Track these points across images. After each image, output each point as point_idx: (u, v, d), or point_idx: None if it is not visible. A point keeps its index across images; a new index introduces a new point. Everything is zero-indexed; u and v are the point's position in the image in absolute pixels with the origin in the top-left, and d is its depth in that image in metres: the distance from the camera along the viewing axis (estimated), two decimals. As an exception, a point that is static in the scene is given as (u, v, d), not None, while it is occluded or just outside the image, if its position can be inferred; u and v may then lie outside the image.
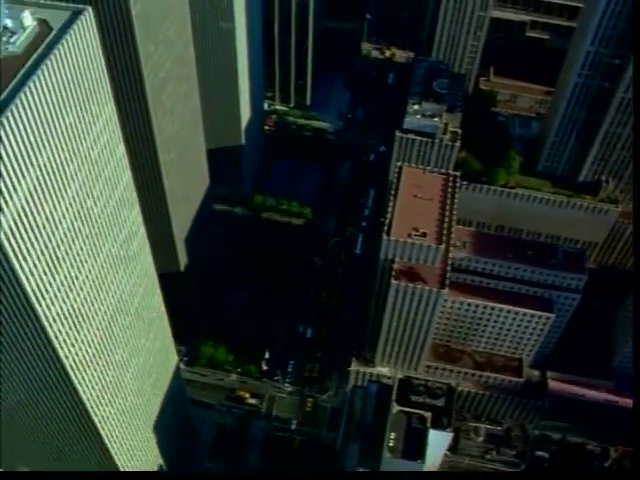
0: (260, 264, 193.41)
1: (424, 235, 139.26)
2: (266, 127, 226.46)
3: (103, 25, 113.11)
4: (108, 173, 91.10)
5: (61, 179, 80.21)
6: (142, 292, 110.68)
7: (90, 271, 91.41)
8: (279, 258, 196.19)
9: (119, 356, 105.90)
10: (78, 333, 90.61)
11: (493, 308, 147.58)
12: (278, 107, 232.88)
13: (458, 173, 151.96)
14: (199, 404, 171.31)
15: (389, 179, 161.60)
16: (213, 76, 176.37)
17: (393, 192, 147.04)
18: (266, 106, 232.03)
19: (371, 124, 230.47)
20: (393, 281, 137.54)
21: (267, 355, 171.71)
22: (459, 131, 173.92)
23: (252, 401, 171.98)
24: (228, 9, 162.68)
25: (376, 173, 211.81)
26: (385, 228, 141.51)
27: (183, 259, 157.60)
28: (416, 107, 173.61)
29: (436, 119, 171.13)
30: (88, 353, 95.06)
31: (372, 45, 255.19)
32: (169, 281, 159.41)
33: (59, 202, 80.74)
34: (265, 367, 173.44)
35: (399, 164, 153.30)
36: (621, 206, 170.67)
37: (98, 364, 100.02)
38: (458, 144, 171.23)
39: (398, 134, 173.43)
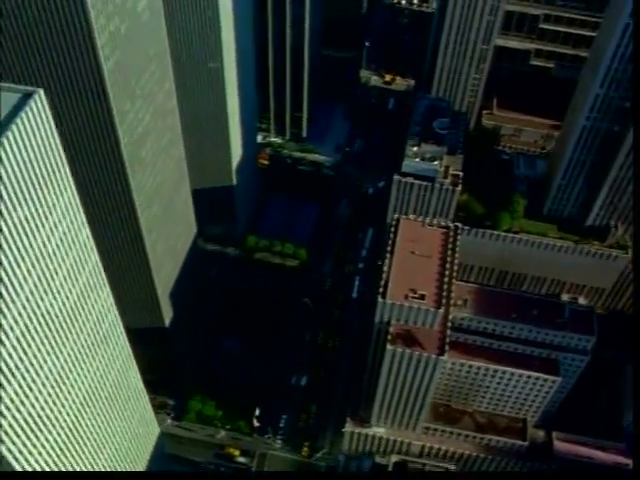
0: (253, 308, 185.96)
1: (422, 297, 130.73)
2: (260, 161, 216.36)
3: (73, 81, 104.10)
4: (70, 262, 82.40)
5: (11, 281, 70.86)
6: (114, 374, 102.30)
7: (50, 371, 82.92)
8: (273, 302, 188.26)
9: (89, 448, 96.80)
10: (34, 446, 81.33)
11: (496, 370, 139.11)
12: (273, 139, 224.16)
13: (459, 226, 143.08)
14: (186, 462, 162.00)
15: (387, 222, 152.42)
16: (202, 117, 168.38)
17: (389, 248, 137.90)
18: (260, 138, 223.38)
19: (370, 157, 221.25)
20: (389, 346, 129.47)
21: (257, 412, 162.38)
22: (460, 174, 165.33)
23: (242, 459, 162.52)
24: (216, 48, 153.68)
25: (374, 210, 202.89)
26: (380, 289, 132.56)
27: (168, 314, 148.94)
28: (415, 149, 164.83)
29: (436, 162, 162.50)
30: (49, 460, 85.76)
31: (371, 72, 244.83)
32: (154, 335, 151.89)
33: (9, 307, 71.39)
34: (256, 423, 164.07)
35: (396, 216, 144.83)
36: (630, 252, 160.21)
37: (64, 463, 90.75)
38: (459, 189, 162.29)
39: (396, 177, 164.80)
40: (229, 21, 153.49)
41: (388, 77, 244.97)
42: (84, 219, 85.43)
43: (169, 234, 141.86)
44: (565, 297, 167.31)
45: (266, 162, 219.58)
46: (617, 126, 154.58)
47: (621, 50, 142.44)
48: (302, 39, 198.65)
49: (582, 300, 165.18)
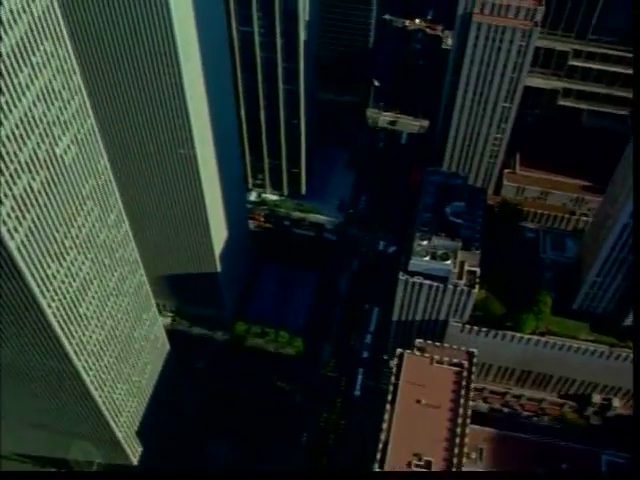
0: (243, 408, 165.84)
1: (428, 465, 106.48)
2: (254, 222, 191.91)
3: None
4: None
5: None
6: None
7: None
8: (265, 399, 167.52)
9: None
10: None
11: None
12: (269, 196, 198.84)
13: (474, 365, 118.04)
14: None
15: (388, 359, 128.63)
16: (177, 205, 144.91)
17: (390, 396, 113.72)
18: (255, 195, 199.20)
19: (377, 216, 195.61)
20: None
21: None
22: (478, 271, 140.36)
23: None
24: (186, 136, 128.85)
25: (381, 284, 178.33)
26: (378, 454, 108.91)
27: (135, 454, 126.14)
28: (424, 243, 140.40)
29: (449, 262, 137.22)
30: None
31: (379, 111, 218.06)
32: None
33: None
34: None
35: (399, 351, 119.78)
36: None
37: None
38: (476, 290, 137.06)
39: (402, 277, 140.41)
40: (200, 102, 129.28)
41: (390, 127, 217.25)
42: None
43: (129, 375, 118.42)
44: (597, 398, 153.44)
45: (261, 224, 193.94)
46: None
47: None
48: (297, 83, 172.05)
49: (616, 402, 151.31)
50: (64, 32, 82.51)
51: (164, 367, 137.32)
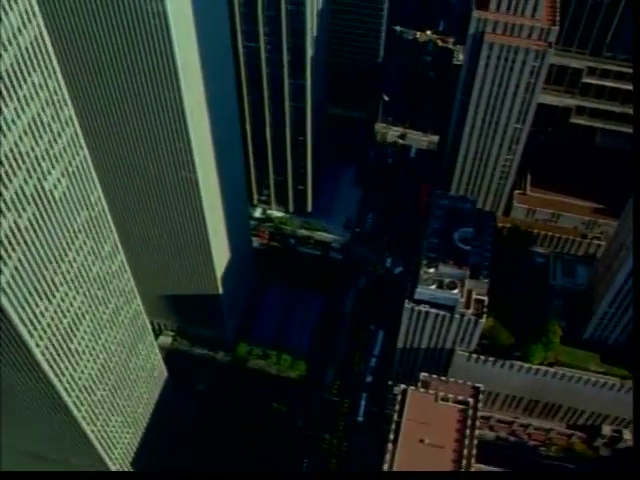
0: (244, 431, 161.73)
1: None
2: (258, 240, 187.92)
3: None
4: None
5: None
6: None
7: None
8: (266, 423, 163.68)
9: None
10: None
11: None
12: (274, 213, 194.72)
13: (480, 401, 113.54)
14: None
15: (390, 394, 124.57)
16: (177, 227, 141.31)
17: (392, 435, 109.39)
18: (260, 212, 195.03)
19: (384, 235, 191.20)
20: None
21: None
22: (485, 300, 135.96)
23: None
24: (187, 159, 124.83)
25: (387, 305, 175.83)
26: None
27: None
28: (431, 271, 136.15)
29: (456, 291, 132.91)
30: None
31: (388, 126, 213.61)
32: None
33: None
34: None
35: (402, 387, 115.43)
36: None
37: None
38: (484, 320, 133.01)
39: (407, 305, 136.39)
40: (202, 123, 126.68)
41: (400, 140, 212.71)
42: None
43: (123, 406, 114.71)
44: (607, 430, 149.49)
45: (265, 241, 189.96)
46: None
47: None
48: (304, 98, 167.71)
49: (627, 434, 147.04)
50: (54, 62, 78.72)
51: (161, 395, 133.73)
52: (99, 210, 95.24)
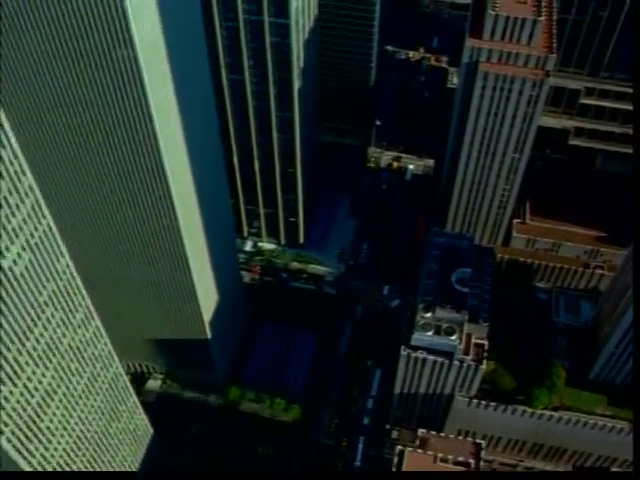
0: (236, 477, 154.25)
1: None
2: (249, 274, 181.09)
3: None
4: None
5: None
6: None
7: None
8: (259, 468, 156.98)
9: None
10: None
11: None
12: (265, 245, 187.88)
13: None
14: None
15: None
16: (161, 275, 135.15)
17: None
18: (250, 245, 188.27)
19: (380, 266, 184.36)
20: None
21: None
22: (486, 344, 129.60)
23: None
24: (168, 206, 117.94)
25: (384, 340, 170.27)
26: None
27: None
28: (428, 316, 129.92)
29: (454, 337, 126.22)
30: None
31: (381, 151, 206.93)
32: None
33: None
34: None
35: (399, 448, 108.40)
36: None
37: None
38: (484, 366, 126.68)
39: (404, 352, 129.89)
40: (182, 167, 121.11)
41: (396, 165, 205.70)
42: None
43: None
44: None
45: (257, 276, 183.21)
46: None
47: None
48: (292, 129, 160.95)
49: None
50: (8, 132, 71.86)
51: (147, 453, 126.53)
52: (67, 279, 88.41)
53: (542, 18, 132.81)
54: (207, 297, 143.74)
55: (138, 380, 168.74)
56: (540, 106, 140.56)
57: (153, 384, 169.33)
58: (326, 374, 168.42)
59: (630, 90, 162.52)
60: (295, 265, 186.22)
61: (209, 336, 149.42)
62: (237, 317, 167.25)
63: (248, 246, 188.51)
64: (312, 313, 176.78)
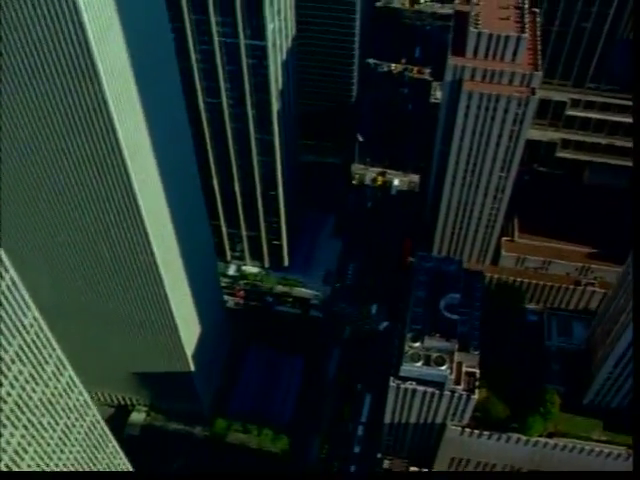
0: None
1: None
2: (234, 299, 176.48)
3: None
4: None
5: None
6: None
7: None
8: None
9: None
10: None
11: None
12: (249, 269, 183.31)
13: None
14: None
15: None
16: (140, 311, 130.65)
17: None
18: (233, 269, 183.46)
19: (366, 288, 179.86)
20: None
21: None
22: (477, 372, 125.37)
23: None
24: (144, 243, 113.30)
25: (373, 364, 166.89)
26: None
27: None
28: (416, 345, 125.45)
29: (444, 367, 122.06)
30: None
31: (365, 167, 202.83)
32: None
33: None
34: None
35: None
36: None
37: None
38: (476, 396, 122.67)
39: (393, 384, 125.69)
40: (157, 200, 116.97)
41: (380, 180, 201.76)
42: None
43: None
44: None
45: (241, 301, 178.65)
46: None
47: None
48: (272, 150, 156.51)
49: None
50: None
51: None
52: (35, 331, 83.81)
53: (526, 35, 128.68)
54: (189, 329, 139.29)
55: (122, 412, 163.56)
56: (527, 124, 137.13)
57: (137, 417, 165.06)
58: (314, 400, 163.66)
59: (616, 101, 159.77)
60: (280, 288, 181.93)
61: (192, 368, 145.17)
62: (222, 345, 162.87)
63: (232, 270, 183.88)
64: (299, 337, 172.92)
